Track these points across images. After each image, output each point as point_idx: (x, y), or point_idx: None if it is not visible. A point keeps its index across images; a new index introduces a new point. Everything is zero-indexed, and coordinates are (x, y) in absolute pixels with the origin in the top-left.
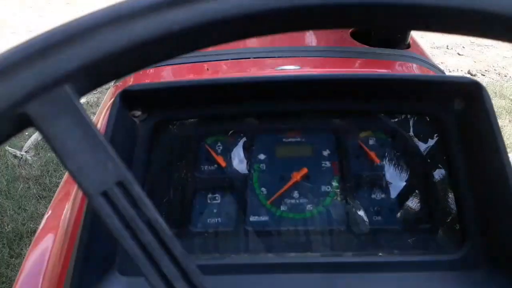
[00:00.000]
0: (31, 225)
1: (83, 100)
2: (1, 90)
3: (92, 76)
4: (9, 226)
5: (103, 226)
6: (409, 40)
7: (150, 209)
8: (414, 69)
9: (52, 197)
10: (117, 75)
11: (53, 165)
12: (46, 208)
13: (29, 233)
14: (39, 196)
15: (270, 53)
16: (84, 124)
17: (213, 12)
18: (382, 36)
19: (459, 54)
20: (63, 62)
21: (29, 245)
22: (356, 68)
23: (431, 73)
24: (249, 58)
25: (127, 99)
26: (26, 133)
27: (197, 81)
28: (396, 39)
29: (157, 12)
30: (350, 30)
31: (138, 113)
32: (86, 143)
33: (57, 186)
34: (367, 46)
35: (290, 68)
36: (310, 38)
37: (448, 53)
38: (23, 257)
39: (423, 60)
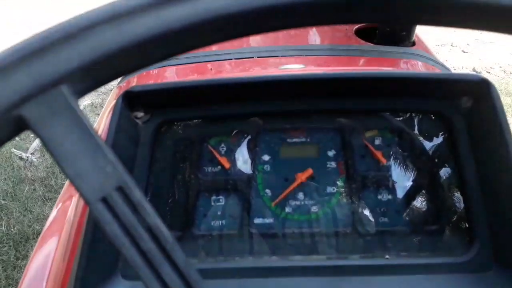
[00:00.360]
0: (37, 227)
1: (87, 101)
2: None
3: (90, 76)
4: (15, 228)
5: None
6: (414, 37)
7: (150, 215)
8: (420, 67)
9: (57, 198)
10: (115, 75)
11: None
12: (52, 209)
13: (35, 235)
14: (45, 198)
15: (273, 52)
16: (82, 126)
17: (217, 9)
18: (386, 34)
19: (463, 52)
20: (60, 62)
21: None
22: (361, 67)
23: (437, 70)
24: (253, 57)
25: (129, 100)
26: (32, 135)
27: (200, 81)
28: (400, 37)
29: (155, 10)
30: (355, 28)
31: (140, 114)
32: (84, 146)
33: (63, 188)
34: (372, 44)
35: (294, 67)
36: (314, 36)
37: (453, 51)
38: (29, 259)
39: (429, 58)
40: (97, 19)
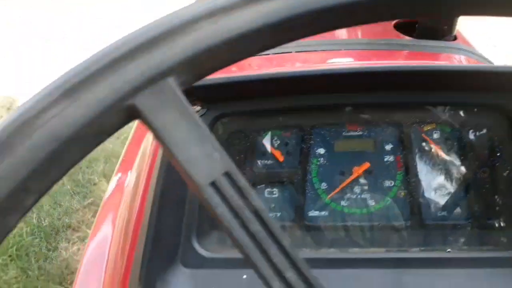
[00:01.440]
0: (66, 220)
1: None
2: (110, 84)
3: (194, 69)
4: (45, 221)
5: (170, 219)
6: (455, 31)
7: (255, 199)
8: (463, 61)
9: (85, 192)
10: (217, 67)
11: (85, 162)
12: (80, 203)
13: (65, 228)
14: (73, 192)
15: (311, 46)
16: (189, 116)
17: (310, 3)
18: (427, 28)
19: (494, 46)
20: (167, 56)
21: (65, 239)
22: (404, 61)
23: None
24: (290, 52)
25: (186, 94)
26: None
27: (255, 75)
28: (442, 31)
29: (255, 3)
30: (394, 22)
31: (197, 108)
32: (192, 134)
33: (90, 183)
34: (412, 38)
35: (343, 61)
36: (352, 30)
37: (483, 44)
38: (59, 251)
39: (471, 52)
40: (199, 14)
